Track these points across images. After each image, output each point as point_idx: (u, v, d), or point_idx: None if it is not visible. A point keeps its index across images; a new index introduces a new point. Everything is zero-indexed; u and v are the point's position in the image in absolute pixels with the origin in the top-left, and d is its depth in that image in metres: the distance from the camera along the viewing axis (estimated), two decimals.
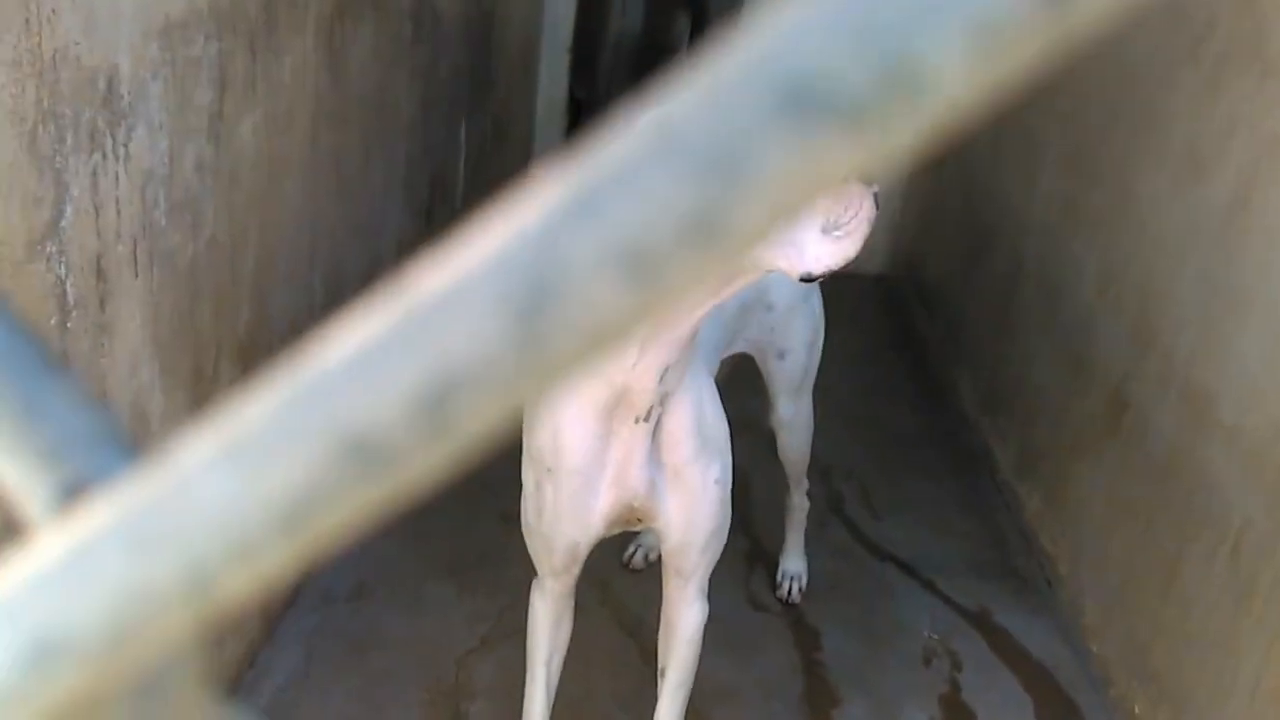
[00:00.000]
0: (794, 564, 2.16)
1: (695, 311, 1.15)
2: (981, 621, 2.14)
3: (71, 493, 0.18)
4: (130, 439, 0.20)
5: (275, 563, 0.16)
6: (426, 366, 0.14)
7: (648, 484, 1.28)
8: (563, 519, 1.30)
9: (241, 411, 0.16)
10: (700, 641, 1.45)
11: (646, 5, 4.64)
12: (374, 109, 2.16)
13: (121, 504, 0.16)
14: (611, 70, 4.55)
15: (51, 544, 0.17)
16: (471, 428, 0.15)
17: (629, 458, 1.26)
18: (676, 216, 0.13)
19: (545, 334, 0.14)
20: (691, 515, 1.32)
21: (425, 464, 0.15)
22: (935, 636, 2.08)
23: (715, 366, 1.48)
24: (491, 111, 3.29)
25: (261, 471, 0.15)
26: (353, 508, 0.16)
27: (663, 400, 1.23)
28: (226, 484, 0.16)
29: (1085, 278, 2.34)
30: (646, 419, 1.23)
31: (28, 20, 1.04)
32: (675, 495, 1.31)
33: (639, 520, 1.35)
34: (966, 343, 3.05)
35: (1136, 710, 1.89)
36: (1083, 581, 2.15)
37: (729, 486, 1.35)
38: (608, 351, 0.15)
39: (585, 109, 4.31)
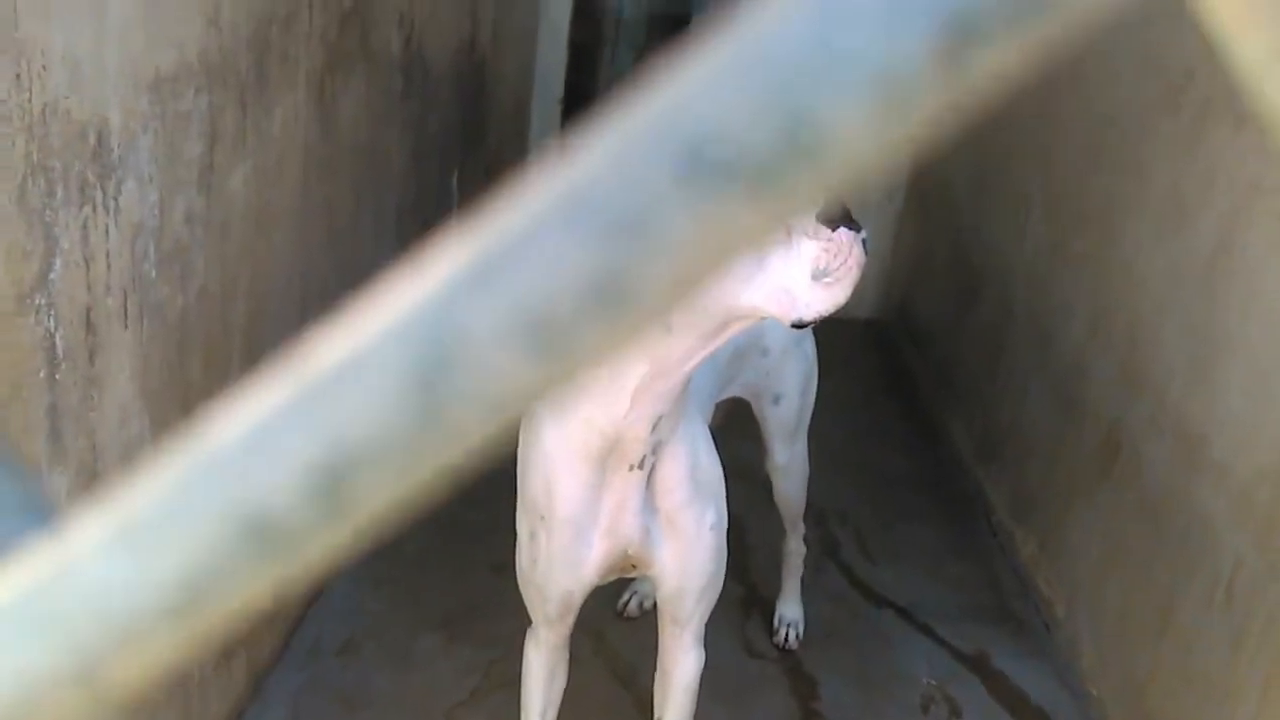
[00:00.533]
0: (790, 610, 2.14)
1: (689, 362, 1.15)
2: (979, 666, 2.13)
3: None
4: (48, 504, 0.19)
5: (167, 648, 0.15)
6: (323, 441, 0.14)
7: (642, 531, 1.28)
8: (557, 567, 1.29)
9: (134, 491, 0.15)
10: (697, 690, 1.44)
11: (635, 55, 4.69)
12: (365, 160, 2.17)
13: (11, 584, 0.16)
14: None
15: None
16: (372, 503, 0.14)
17: (623, 505, 1.25)
18: (578, 284, 0.13)
19: (445, 406, 0.13)
20: (686, 562, 1.31)
21: (326, 541, 0.15)
22: (933, 682, 2.07)
23: (709, 412, 1.48)
24: (484, 162, 3.31)
25: (152, 554, 0.15)
26: (249, 590, 0.15)
27: (656, 448, 1.23)
28: (116, 567, 0.15)
29: (1075, 321, 2.35)
30: (640, 467, 1.23)
31: (18, 75, 1.04)
32: (670, 542, 1.30)
33: (634, 567, 1.34)
34: (959, 386, 3.05)
35: None
36: (1080, 624, 2.14)
37: (724, 532, 1.34)
38: (511, 422, 0.14)
39: None
